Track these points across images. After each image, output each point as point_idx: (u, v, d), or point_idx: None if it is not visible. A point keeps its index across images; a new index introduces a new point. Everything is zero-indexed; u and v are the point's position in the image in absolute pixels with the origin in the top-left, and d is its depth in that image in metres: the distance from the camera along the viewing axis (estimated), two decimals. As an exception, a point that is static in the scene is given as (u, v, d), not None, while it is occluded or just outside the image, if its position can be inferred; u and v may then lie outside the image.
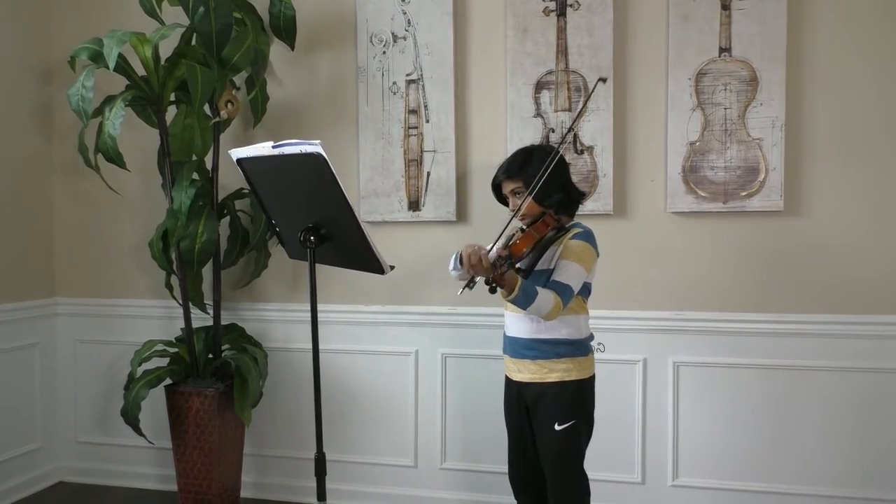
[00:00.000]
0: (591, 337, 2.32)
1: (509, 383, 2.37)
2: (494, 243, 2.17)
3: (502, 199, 2.36)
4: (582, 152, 2.93)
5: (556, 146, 2.26)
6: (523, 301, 2.05)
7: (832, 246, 2.79)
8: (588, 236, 2.23)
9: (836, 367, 2.80)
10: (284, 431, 3.37)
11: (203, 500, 3.05)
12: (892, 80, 2.71)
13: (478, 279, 2.03)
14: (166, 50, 3.02)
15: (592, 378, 2.31)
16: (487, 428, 3.00)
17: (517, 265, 2.15)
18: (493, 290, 2.02)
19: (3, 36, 3.32)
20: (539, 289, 2.08)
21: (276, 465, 3.39)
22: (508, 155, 2.38)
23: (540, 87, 2.97)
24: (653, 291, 2.94)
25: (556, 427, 2.22)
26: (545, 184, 2.17)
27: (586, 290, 2.27)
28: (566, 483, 2.27)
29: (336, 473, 3.17)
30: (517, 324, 2.27)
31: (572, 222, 2.29)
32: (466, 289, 2.04)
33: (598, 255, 2.26)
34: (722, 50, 2.81)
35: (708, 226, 2.89)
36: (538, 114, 2.97)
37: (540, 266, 2.19)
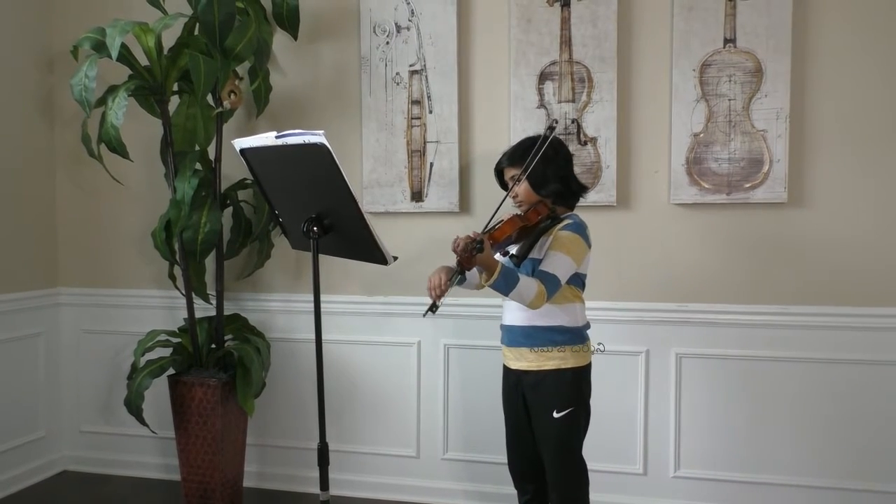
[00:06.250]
0: (588, 326, 2.32)
1: (507, 372, 2.37)
2: (487, 225, 2.19)
3: (504, 186, 2.36)
4: (585, 143, 2.92)
5: (555, 135, 2.26)
6: (504, 286, 2.06)
7: (836, 238, 2.79)
8: (579, 227, 2.22)
9: (839, 360, 2.80)
10: (287, 421, 3.38)
11: (206, 490, 3.06)
12: (897, 71, 2.71)
13: (440, 303, 2.06)
14: (169, 40, 3.01)
15: (589, 366, 2.31)
16: (490, 418, 3.00)
17: (512, 252, 2.18)
18: (461, 271, 2.03)
19: (5, 25, 3.31)
20: (522, 276, 2.09)
21: (278, 455, 3.40)
22: (511, 145, 2.39)
23: (543, 77, 2.95)
24: (655, 283, 2.94)
25: (555, 415, 2.23)
26: (542, 171, 2.19)
27: (579, 280, 2.27)
28: (566, 471, 2.28)
29: (338, 463, 3.19)
30: (514, 312, 2.27)
31: (567, 213, 2.29)
32: (430, 311, 2.06)
33: (589, 247, 2.25)
34: (727, 41, 2.79)
35: (711, 217, 2.88)
36: (542, 104, 2.96)
37: (531, 255, 2.21)
